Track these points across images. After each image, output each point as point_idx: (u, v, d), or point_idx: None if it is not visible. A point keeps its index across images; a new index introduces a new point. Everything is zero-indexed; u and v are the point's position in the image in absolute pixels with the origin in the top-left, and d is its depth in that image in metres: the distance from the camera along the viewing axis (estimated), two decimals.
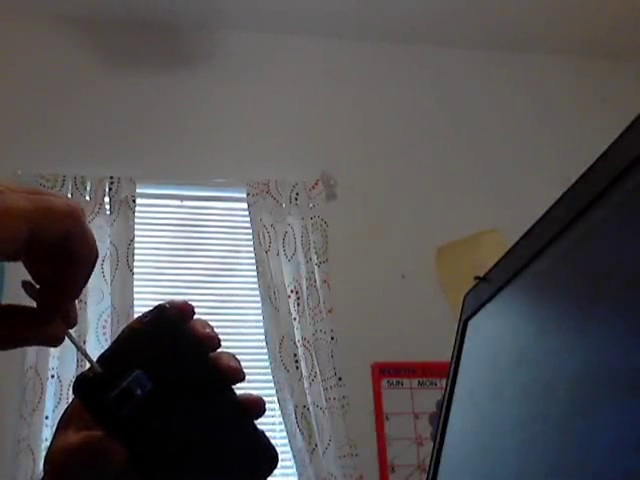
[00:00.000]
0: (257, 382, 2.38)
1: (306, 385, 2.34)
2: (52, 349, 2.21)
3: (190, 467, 0.44)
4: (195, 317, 0.47)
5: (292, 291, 2.47)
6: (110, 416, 0.42)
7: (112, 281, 2.35)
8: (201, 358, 0.45)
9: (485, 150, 2.94)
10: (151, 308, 0.46)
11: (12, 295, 2.29)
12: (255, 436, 0.46)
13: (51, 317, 0.42)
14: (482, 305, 0.75)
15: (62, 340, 0.43)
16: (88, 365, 0.43)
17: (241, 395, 0.46)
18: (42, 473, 0.46)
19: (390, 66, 3.02)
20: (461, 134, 2.95)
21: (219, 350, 0.46)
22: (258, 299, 2.44)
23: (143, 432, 0.43)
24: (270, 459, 0.46)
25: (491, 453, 0.59)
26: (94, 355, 0.44)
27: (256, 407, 0.46)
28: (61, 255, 0.41)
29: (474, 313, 0.77)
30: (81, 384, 0.43)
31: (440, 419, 0.76)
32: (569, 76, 3.12)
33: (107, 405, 0.42)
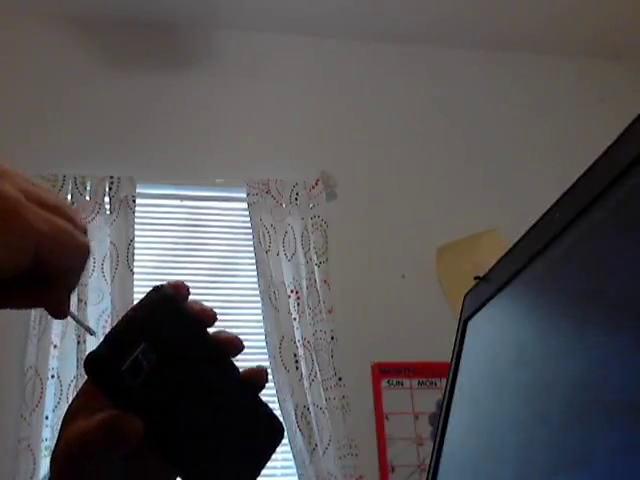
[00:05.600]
0: None
1: (306, 385, 2.34)
2: (52, 349, 2.21)
3: (202, 438, 0.44)
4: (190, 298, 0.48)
5: (292, 291, 2.47)
6: (123, 389, 0.43)
7: (112, 281, 2.35)
8: (201, 332, 0.47)
9: (485, 150, 2.94)
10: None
11: None
12: (262, 408, 0.47)
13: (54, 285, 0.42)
14: (482, 305, 0.75)
15: (65, 313, 0.44)
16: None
17: (243, 370, 0.47)
18: (47, 475, 0.45)
19: (389, 66, 3.02)
20: (461, 134, 2.95)
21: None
22: (258, 299, 2.44)
23: (155, 403, 0.44)
24: (277, 431, 0.47)
25: (491, 453, 0.59)
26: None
27: (259, 378, 0.47)
28: (46, 281, 0.40)
29: (474, 313, 0.77)
30: (92, 361, 0.43)
31: (440, 419, 0.76)
32: (569, 76, 3.13)
33: (119, 378, 0.42)
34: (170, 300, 0.46)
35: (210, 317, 0.47)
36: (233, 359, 0.47)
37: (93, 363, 0.43)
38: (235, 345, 0.47)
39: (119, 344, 0.43)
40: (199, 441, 0.44)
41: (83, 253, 0.40)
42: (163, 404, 0.44)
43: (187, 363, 0.46)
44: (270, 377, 2.32)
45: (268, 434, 0.47)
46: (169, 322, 0.46)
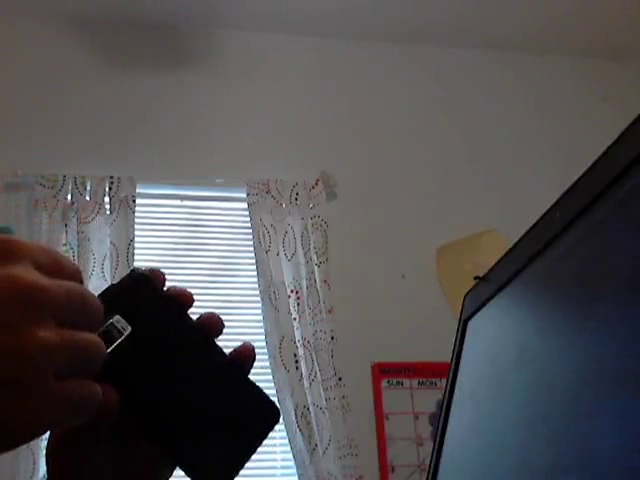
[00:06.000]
0: (257, 382, 2.37)
1: (306, 385, 2.34)
2: None
3: (187, 416, 0.43)
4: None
5: (292, 291, 2.47)
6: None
7: (112, 281, 2.35)
8: (179, 312, 0.46)
9: (485, 150, 2.94)
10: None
11: None
12: (253, 389, 0.45)
13: None
14: (482, 305, 0.75)
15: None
16: None
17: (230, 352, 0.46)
18: (45, 476, 0.46)
19: (389, 66, 3.02)
20: (461, 134, 2.95)
21: None
22: (258, 299, 2.44)
23: (131, 375, 0.43)
24: (272, 413, 0.45)
25: (491, 453, 0.59)
26: None
27: (246, 356, 0.46)
28: None
29: (474, 313, 0.77)
30: None
31: (440, 419, 0.76)
32: (570, 76, 3.12)
33: None
34: (146, 280, 0.46)
35: (188, 298, 0.47)
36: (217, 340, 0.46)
37: None
38: (216, 324, 0.46)
39: None
40: (183, 419, 0.43)
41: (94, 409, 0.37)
42: (141, 377, 0.43)
43: (166, 339, 0.45)
44: (270, 377, 2.32)
45: (261, 415, 0.45)
46: (145, 299, 0.45)
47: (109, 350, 0.41)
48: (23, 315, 0.33)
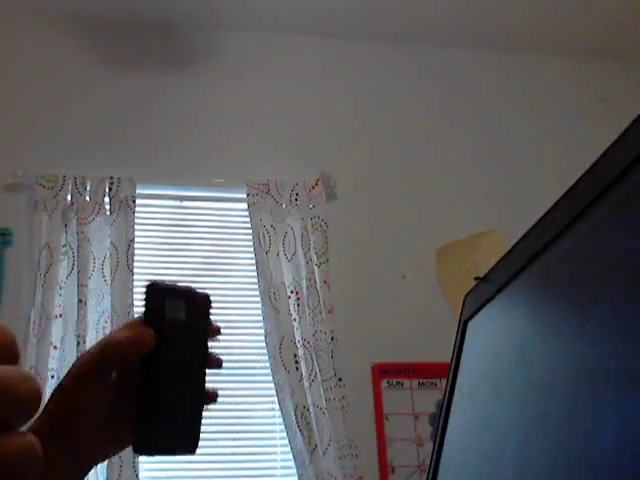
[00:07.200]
0: (257, 382, 2.38)
1: (306, 385, 2.34)
2: (52, 349, 2.21)
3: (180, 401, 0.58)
4: None
5: (292, 291, 2.47)
6: (159, 314, 0.56)
7: (112, 281, 2.35)
8: (205, 337, 0.60)
9: (485, 150, 2.94)
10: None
11: (10, 294, 2.29)
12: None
13: None
14: (482, 305, 0.75)
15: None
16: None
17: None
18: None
19: (390, 66, 3.02)
20: (461, 134, 2.95)
21: None
22: (258, 299, 2.44)
23: (164, 355, 0.57)
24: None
25: (491, 453, 0.59)
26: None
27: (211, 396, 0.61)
28: None
29: (474, 313, 0.77)
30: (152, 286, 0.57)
31: (440, 419, 0.76)
32: (569, 76, 3.13)
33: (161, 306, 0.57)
34: (204, 301, 0.64)
35: (218, 333, 0.62)
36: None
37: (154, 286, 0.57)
38: (218, 363, 0.62)
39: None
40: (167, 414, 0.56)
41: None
42: (166, 361, 0.56)
43: (192, 348, 0.60)
44: (270, 377, 2.32)
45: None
46: (193, 313, 0.61)
47: (166, 322, 0.57)
48: None
